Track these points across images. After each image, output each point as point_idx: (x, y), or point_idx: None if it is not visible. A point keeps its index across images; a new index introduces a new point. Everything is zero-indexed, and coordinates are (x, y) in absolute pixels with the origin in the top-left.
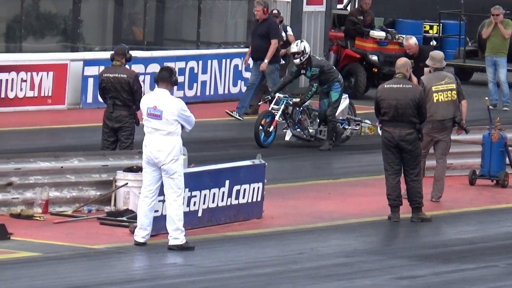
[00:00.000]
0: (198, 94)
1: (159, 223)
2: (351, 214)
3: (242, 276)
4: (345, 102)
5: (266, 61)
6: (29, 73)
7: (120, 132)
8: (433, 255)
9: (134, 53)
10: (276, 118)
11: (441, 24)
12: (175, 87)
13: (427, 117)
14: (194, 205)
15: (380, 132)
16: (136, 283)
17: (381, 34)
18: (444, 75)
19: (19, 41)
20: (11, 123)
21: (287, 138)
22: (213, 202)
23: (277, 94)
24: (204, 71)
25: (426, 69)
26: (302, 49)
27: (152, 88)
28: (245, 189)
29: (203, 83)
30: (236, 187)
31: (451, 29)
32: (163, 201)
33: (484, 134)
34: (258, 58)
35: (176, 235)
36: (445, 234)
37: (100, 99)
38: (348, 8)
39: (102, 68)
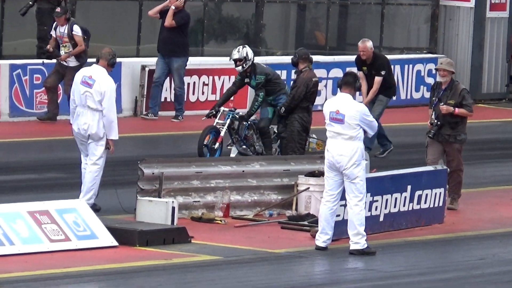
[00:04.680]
0: None
1: (340, 228)
2: None
3: (423, 282)
4: None
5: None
6: (210, 77)
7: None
8: None
9: (316, 58)
10: (222, 134)
11: None
12: (357, 92)
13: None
14: (376, 209)
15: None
16: None
17: None
18: None
19: (201, 45)
20: (193, 126)
21: (232, 155)
22: (394, 207)
23: (222, 108)
24: None
25: (377, 78)
26: (244, 55)
27: (334, 93)
28: (427, 194)
29: None
30: (418, 192)
31: None
32: (345, 205)
33: None
34: (166, 51)
35: (357, 239)
36: None
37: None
38: None
39: (284, 72)
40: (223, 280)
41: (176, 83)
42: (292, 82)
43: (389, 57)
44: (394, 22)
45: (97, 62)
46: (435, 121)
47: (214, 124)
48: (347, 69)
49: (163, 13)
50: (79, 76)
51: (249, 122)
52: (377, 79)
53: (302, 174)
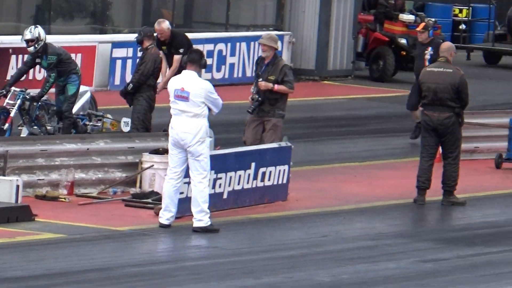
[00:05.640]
0: (226, 76)
1: (184, 205)
2: (377, 197)
3: (267, 259)
4: (85, 96)
5: None
6: None
7: None
8: (458, 239)
9: None
10: (12, 114)
11: (470, 8)
12: (203, 70)
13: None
14: (220, 187)
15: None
16: (160, 265)
17: (410, 17)
18: None
19: (48, 23)
20: None
21: (23, 136)
22: (238, 184)
23: (13, 88)
24: (233, 54)
25: (176, 57)
26: (37, 35)
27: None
28: (270, 172)
29: (231, 65)
30: (262, 170)
31: (480, 13)
32: (189, 183)
33: (511, 118)
34: None
35: (201, 217)
36: (470, 217)
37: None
38: None
39: (130, 50)
40: (66, 258)
41: None
42: (138, 60)
43: (234, 34)
44: None
45: None
46: (256, 96)
47: (4, 104)
48: (193, 47)
49: None
50: None
51: (40, 103)
52: (176, 57)
53: (146, 152)
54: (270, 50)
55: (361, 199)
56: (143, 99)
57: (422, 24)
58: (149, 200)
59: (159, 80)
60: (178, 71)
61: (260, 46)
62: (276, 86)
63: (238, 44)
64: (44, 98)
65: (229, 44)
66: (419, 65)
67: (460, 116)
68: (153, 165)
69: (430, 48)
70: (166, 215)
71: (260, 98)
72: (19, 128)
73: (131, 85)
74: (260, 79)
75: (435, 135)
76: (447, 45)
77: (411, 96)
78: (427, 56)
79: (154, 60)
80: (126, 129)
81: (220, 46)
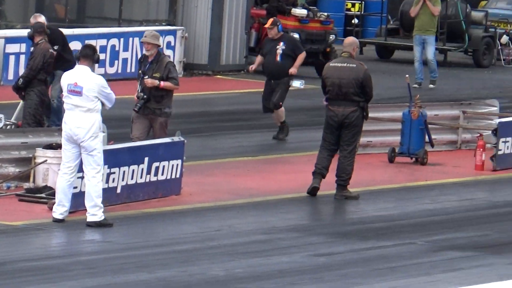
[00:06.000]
0: (119, 71)
1: (77, 200)
2: (270, 191)
3: (160, 253)
4: None
5: None
6: None
7: None
8: (351, 232)
9: None
10: None
11: (363, 2)
12: (96, 65)
13: (372, 96)
14: (113, 181)
15: None
16: (54, 260)
17: (303, 12)
18: None
19: None
20: None
21: None
22: (132, 178)
23: None
24: (125, 49)
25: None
26: None
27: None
28: (164, 166)
29: (124, 60)
30: (155, 164)
31: (373, 7)
32: (82, 177)
33: (404, 112)
34: None
35: (94, 211)
36: (364, 211)
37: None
38: None
39: (23, 45)
40: None
41: None
42: (30, 54)
43: (127, 29)
44: None
45: None
46: (142, 94)
47: None
48: (86, 42)
49: None
50: None
51: None
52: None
53: (39, 147)
54: (153, 48)
55: (254, 193)
56: (34, 93)
57: (270, 20)
58: (43, 195)
59: None
60: (64, 67)
61: (143, 44)
62: (162, 83)
63: (131, 39)
64: None
65: (122, 39)
66: (270, 60)
67: (365, 109)
68: (46, 160)
69: (282, 43)
70: (59, 209)
71: (145, 96)
72: None
73: (21, 79)
74: (146, 77)
75: (338, 133)
76: (350, 40)
77: (264, 98)
78: (279, 51)
79: (43, 54)
80: None
81: (113, 41)
